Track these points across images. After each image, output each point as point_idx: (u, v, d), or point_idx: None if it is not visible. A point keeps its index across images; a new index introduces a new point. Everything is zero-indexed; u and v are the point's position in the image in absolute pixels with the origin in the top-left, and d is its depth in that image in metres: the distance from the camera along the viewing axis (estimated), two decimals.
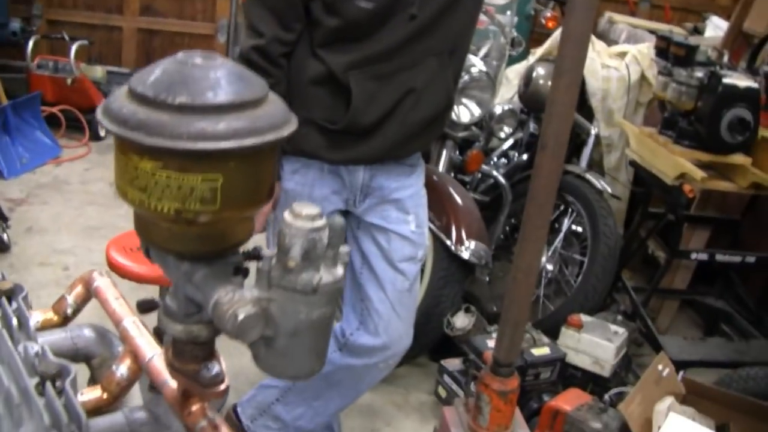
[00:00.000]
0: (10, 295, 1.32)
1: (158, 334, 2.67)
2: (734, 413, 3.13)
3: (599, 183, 4.20)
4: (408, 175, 2.61)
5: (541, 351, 3.49)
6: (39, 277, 4.26)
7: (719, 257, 4.24)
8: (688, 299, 4.76)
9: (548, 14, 6.34)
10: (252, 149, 0.97)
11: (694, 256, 4.26)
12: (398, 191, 2.58)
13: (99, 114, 0.99)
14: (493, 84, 4.25)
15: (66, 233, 4.94)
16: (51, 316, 1.51)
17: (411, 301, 2.75)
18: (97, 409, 1.25)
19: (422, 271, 3.04)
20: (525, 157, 4.64)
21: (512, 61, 5.17)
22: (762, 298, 4.39)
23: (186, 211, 0.96)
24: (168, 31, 7.70)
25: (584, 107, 4.65)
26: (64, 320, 1.51)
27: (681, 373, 3.46)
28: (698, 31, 6.25)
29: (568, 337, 3.65)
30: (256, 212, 1.06)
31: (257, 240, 1.17)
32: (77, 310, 1.53)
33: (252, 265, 1.10)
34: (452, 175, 4.27)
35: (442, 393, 3.64)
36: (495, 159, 4.69)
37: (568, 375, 3.61)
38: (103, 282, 1.51)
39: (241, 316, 1.01)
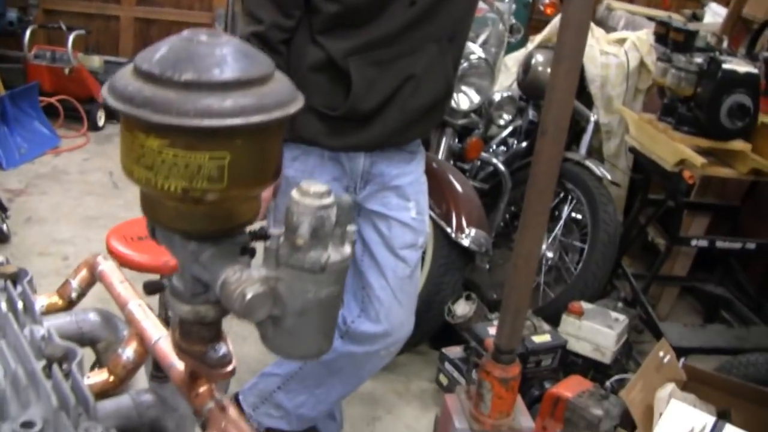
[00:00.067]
0: (15, 279, 1.32)
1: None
2: (735, 399, 3.13)
3: (599, 170, 4.20)
4: (408, 162, 2.61)
5: (542, 338, 3.49)
6: (39, 267, 4.25)
7: (719, 244, 4.24)
8: (688, 286, 4.76)
9: (546, 1, 6.35)
10: (259, 126, 0.96)
11: (694, 242, 4.26)
12: (399, 178, 2.58)
13: (104, 92, 0.98)
14: (492, 71, 4.24)
15: (65, 223, 4.95)
16: (56, 300, 1.51)
17: (412, 288, 2.75)
18: (103, 392, 1.25)
19: (423, 258, 3.04)
20: (524, 144, 4.65)
21: (511, 48, 5.16)
22: (762, 284, 4.39)
23: (193, 189, 0.96)
24: (165, 20, 7.71)
25: (583, 94, 4.64)
26: (69, 304, 1.51)
27: (682, 359, 3.46)
28: (697, 18, 6.23)
29: (568, 324, 3.65)
30: (263, 191, 1.06)
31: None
32: (82, 294, 1.53)
33: (258, 247, 1.10)
34: (452, 162, 4.26)
35: (444, 381, 3.64)
36: (494, 146, 4.69)
37: (569, 362, 3.61)
38: (108, 266, 1.51)
39: (249, 295, 1.00)
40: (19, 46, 6.62)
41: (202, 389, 1.18)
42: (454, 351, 3.63)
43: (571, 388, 3.13)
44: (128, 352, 1.32)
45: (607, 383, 3.51)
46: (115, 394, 1.26)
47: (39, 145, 6.09)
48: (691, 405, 2.96)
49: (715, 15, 5.99)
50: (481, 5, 4.27)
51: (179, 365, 1.24)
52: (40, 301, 1.37)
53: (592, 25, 4.71)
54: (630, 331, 3.80)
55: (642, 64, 4.74)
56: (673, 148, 3.89)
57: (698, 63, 3.90)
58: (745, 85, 3.78)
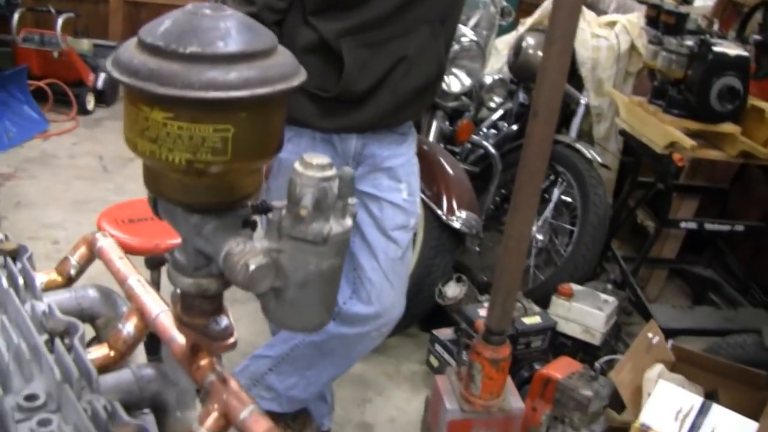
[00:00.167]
0: (15, 255, 1.32)
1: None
2: (723, 380, 3.16)
3: (589, 152, 4.21)
4: (400, 144, 2.61)
5: (532, 320, 3.51)
6: None
7: (708, 226, 4.27)
8: (677, 268, 4.78)
9: None
10: (263, 98, 0.97)
11: (683, 224, 4.28)
12: (390, 159, 2.58)
13: (109, 65, 0.99)
14: (483, 54, 4.24)
15: (55, 207, 4.93)
16: (55, 277, 1.51)
17: (403, 269, 2.76)
18: (104, 367, 1.25)
19: (414, 241, 3.05)
20: (515, 127, 4.65)
21: (501, 31, 5.16)
22: (750, 266, 4.42)
23: (197, 161, 0.97)
24: (155, 3, 7.64)
25: (574, 77, 4.64)
26: (68, 281, 1.51)
27: (670, 341, 3.49)
28: (687, 1, 6.24)
29: (558, 306, 3.67)
30: (266, 164, 1.06)
31: None
32: (81, 271, 1.54)
33: (259, 223, 1.11)
34: (442, 145, 4.27)
35: (434, 362, 3.66)
36: (485, 129, 4.69)
37: (559, 344, 3.63)
38: (107, 242, 1.52)
39: (252, 267, 1.02)
40: (7, 29, 6.56)
41: (203, 362, 1.19)
42: (445, 333, 3.64)
43: (560, 369, 3.15)
44: (129, 327, 1.33)
45: (597, 364, 3.53)
46: (115, 369, 1.27)
47: (28, 129, 6.05)
48: (680, 386, 2.98)
49: None
50: None
51: (180, 339, 1.25)
52: (39, 278, 1.37)
53: (584, 8, 4.71)
54: (619, 313, 3.83)
55: (632, 47, 4.75)
56: (663, 131, 3.90)
57: (689, 46, 3.91)
58: (735, 68, 3.79)
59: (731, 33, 4.33)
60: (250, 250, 1.04)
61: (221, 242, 1.06)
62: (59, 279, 1.51)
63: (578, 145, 4.26)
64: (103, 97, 6.81)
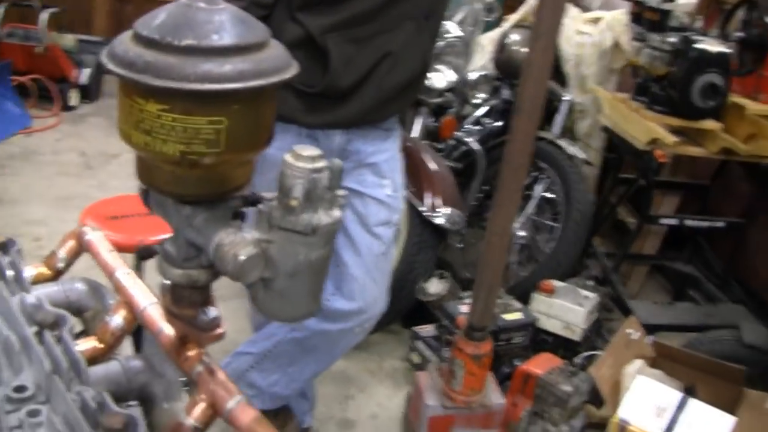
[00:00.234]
0: (3, 248, 1.33)
1: None
2: (702, 375, 3.19)
3: (572, 149, 4.22)
4: (384, 140, 2.62)
5: (513, 316, 3.53)
6: None
7: (688, 222, 4.29)
8: (657, 264, 4.82)
9: None
10: (256, 91, 0.99)
11: (664, 221, 4.31)
12: (374, 155, 2.59)
13: (104, 58, 1.01)
14: (468, 50, 4.26)
15: (37, 204, 4.90)
16: (43, 270, 1.52)
17: (386, 265, 2.77)
18: (92, 359, 1.26)
19: (397, 237, 3.06)
20: (498, 123, 4.66)
21: (486, 27, 5.17)
22: (729, 262, 4.45)
23: (191, 153, 0.99)
24: None
25: (558, 74, 4.66)
26: (56, 274, 1.52)
27: (651, 336, 3.52)
28: None
29: (539, 302, 3.70)
30: (257, 156, 1.08)
31: None
32: (69, 264, 1.55)
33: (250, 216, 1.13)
34: (426, 141, 4.28)
35: (415, 359, 3.68)
36: (469, 126, 4.70)
37: (540, 340, 3.66)
38: (95, 236, 1.53)
39: (242, 257, 1.04)
40: None
41: (191, 353, 1.21)
42: (426, 329, 3.67)
43: (541, 365, 3.17)
44: (117, 319, 1.34)
45: (577, 360, 3.56)
46: (103, 361, 1.28)
47: (10, 125, 6.01)
48: (659, 381, 3.01)
49: None
50: None
51: (168, 331, 1.27)
52: (28, 272, 1.38)
53: (568, 4, 4.73)
54: (600, 309, 3.85)
55: (616, 43, 4.76)
56: (645, 127, 3.93)
57: (672, 42, 3.94)
58: (717, 65, 3.83)
59: (714, 30, 4.36)
60: (240, 241, 1.06)
61: (212, 233, 1.08)
62: (47, 272, 1.52)
63: (561, 142, 4.27)
64: (87, 93, 6.77)
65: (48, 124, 6.28)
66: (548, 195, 4.36)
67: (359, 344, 2.95)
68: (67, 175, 5.41)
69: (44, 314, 1.10)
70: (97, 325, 1.38)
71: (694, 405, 2.84)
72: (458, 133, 4.48)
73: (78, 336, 1.39)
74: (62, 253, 1.54)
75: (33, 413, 0.97)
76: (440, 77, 4.20)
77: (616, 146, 4.43)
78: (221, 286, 1.20)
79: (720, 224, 4.30)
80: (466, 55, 4.26)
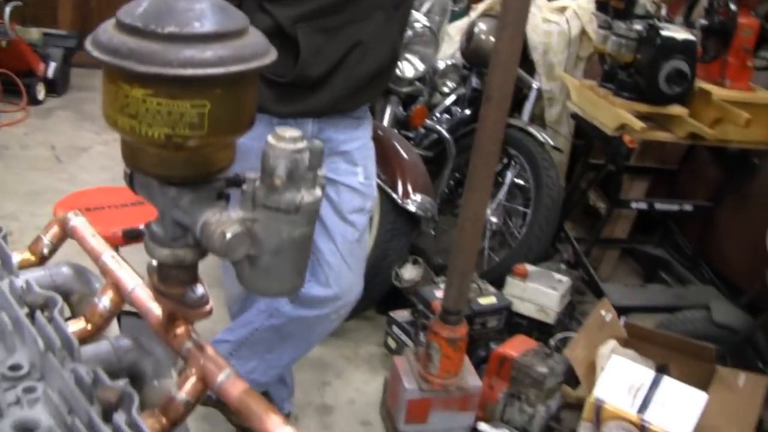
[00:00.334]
0: None
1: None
2: (673, 354, 3.25)
3: (541, 135, 4.27)
4: (356, 128, 2.65)
5: (488, 300, 3.57)
6: None
7: (658, 206, 4.37)
8: (628, 248, 4.88)
9: None
10: (237, 75, 1.02)
11: (634, 205, 4.37)
12: (346, 143, 2.62)
13: (88, 45, 1.03)
14: (437, 39, 4.28)
15: (8, 199, 4.87)
16: (28, 256, 1.53)
17: (361, 251, 2.80)
18: (81, 340, 1.28)
19: (370, 224, 3.09)
20: (468, 111, 4.70)
21: (454, 17, 5.21)
22: (698, 245, 4.52)
23: (176, 136, 1.02)
24: None
25: (526, 62, 4.70)
26: (41, 260, 1.54)
27: (623, 318, 3.57)
28: None
29: (513, 286, 3.75)
30: (239, 138, 1.12)
31: None
32: (53, 250, 1.56)
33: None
34: (397, 130, 4.31)
35: (392, 344, 3.71)
36: (438, 114, 4.74)
37: (514, 323, 3.70)
38: (79, 221, 1.55)
39: (229, 235, 1.07)
40: None
41: (180, 330, 1.24)
42: (402, 314, 3.70)
43: (516, 347, 3.22)
44: (104, 300, 1.37)
45: (551, 342, 3.61)
46: (93, 341, 1.30)
47: None
48: (632, 360, 3.06)
49: None
50: None
51: (156, 310, 1.30)
52: (14, 258, 1.40)
53: None
54: (573, 292, 3.91)
55: (583, 32, 4.82)
56: (613, 114, 3.98)
57: (638, 30, 3.99)
58: (683, 52, 3.88)
59: (678, 18, 4.41)
60: (226, 220, 1.09)
61: (198, 213, 1.11)
62: (32, 258, 1.54)
63: (531, 129, 4.32)
64: (54, 87, 6.72)
65: (15, 119, 6.23)
66: (519, 181, 4.41)
67: (335, 331, 2.99)
68: (37, 170, 5.38)
69: (34, 296, 1.12)
70: (83, 308, 1.40)
71: (668, 383, 2.89)
72: (428, 122, 4.51)
73: (66, 321, 1.41)
74: (47, 239, 1.55)
75: (29, 389, 1.00)
76: (409, 67, 4.23)
77: (585, 132, 4.48)
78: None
79: (688, 208, 4.37)
80: (435, 45, 4.28)
